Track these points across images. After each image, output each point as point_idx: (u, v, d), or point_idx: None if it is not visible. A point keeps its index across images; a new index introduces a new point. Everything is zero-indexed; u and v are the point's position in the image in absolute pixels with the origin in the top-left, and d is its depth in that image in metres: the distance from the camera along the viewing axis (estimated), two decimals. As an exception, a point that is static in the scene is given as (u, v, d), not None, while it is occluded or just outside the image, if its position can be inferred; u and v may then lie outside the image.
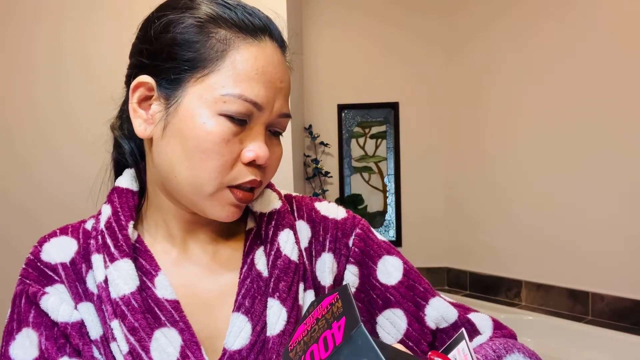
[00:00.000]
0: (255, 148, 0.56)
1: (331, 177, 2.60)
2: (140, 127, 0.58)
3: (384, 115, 2.61)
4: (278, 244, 0.62)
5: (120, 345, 0.55)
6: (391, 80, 2.61)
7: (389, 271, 0.66)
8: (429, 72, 2.60)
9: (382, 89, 2.60)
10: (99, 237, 0.59)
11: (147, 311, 0.56)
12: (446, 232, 2.61)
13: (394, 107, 2.60)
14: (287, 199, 0.70)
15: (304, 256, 0.65)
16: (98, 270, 0.57)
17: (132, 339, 0.55)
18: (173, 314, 0.57)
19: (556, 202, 2.17)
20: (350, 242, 0.66)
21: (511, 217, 2.34)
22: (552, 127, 2.17)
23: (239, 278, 0.61)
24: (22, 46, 1.82)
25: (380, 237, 0.70)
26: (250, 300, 0.60)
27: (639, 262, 1.93)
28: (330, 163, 2.61)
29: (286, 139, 2.06)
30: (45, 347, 0.56)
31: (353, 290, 0.65)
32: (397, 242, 2.61)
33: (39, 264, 0.59)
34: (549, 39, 2.17)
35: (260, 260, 0.62)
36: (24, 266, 0.60)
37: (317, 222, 0.67)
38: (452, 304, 0.67)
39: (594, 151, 2.04)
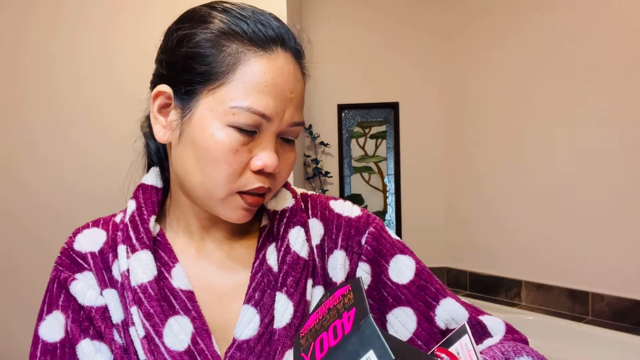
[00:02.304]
0: (264, 157, 0.58)
1: (331, 177, 2.60)
2: (160, 133, 0.62)
3: (384, 115, 2.61)
4: (288, 241, 0.65)
5: (138, 330, 0.59)
6: (391, 80, 2.61)
7: (401, 270, 0.67)
8: (430, 72, 2.60)
9: (382, 89, 2.61)
10: (124, 229, 0.64)
11: (162, 299, 0.61)
12: (446, 232, 2.61)
13: (394, 107, 2.60)
14: (303, 197, 0.72)
15: (315, 253, 0.67)
16: (122, 260, 0.62)
17: (147, 324, 0.59)
18: (187, 303, 0.61)
19: (556, 202, 2.17)
20: (363, 240, 0.68)
21: (511, 217, 2.34)
22: (554, 126, 2.17)
23: (251, 272, 0.64)
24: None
25: (394, 236, 0.71)
26: (260, 293, 0.63)
27: (639, 262, 1.93)
28: (330, 163, 2.61)
29: (286, 139, 2.06)
30: (70, 329, 0.62)
31: (365, 287, 0.66)
32: (397, 242, 2.61)
33: (71, 252, 0.65)
34: (549, 38, 2.17)
35: (272, 256, 0.65)
36: (59, 254, 0.65)
37: (330, 220, 0.69)
38: (464, 304, 0.68)
39: (594, 151, 2.04)
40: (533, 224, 2.25)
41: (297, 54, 0.63)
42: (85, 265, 0.64)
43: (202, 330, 0.60)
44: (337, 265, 0.67)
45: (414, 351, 0.41)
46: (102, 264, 0.64)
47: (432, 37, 2.59)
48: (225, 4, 0.61)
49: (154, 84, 0.63)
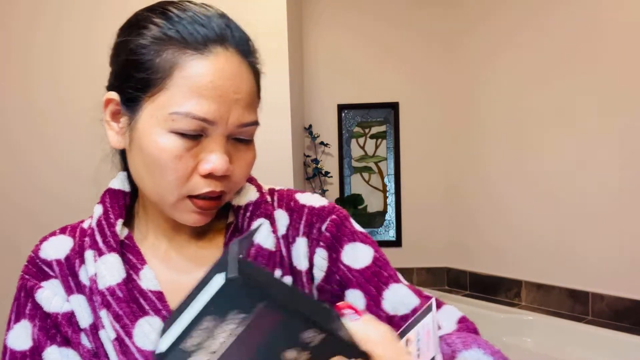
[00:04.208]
0: (212, 161, 0.57)
1: (331, 177, 2.60)
2: (113, 139, 0.62)
3: (384, 115, 2.61)
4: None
5: (108, 332, 0.60)
6: (391, 80, 2.61)
7: (357, 256, 0.66)
8: (429, 72, 2.60)
9: (382, 89, 2.61)
10: (91, 234, 0.64)
11: (132, 301, 0.61)
12: (446, 232, 2.61)
13: (394, 107, 2.60)
14: (270, 191, 0.72)
15: (282, 244, 0.66)
16: (90, 265, 0.62)
17: (117, 326, 0.59)
18: (156, 304, 0.61)
19: (557, 202, 2.17)
20: (324, 227, 0.67)
21: (511, 217, 2.34)
22: (554, 126, 2.17)
23: None
24: (22, 44, 1.82)
25: (359, 227, 0.70)
26: None
27: (638, 262, 1.93)
28: (330, 163, 2.61)
29: (286, 139, 2.06)
30: (37, 337, 0.62)
31: (322, 275, 0.66)
32: (397, 242, 2.61)
33: (37, 260, 0.65)
34: (548, 39, 2.17)
35: None
36: (25, 263, 0.66)
37: (295, 210, 0.69)
38: (417, 293, 0.66)
39: (594, 151, 2.04)
40: (533, 224, 2.25)
41: (244, 51, 0.60)
42: (51, 273, 0.64)
43: None
44: (300, 253, 0.66)
45: (280, 285, 0.41)
46: (68, 270, 0.64)
47: (432, 37, 2.59)
48: (166, 6, 0.59)
49: (107, 90, 0.63)
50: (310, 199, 0.70)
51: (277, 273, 0.64)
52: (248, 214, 0.66)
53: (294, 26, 2.31)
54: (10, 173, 1.82)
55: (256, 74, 0.62)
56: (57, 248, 0.66)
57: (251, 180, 0.70)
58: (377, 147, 2.63)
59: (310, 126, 2.56)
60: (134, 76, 0.57)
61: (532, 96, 2.24)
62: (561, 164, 2.14)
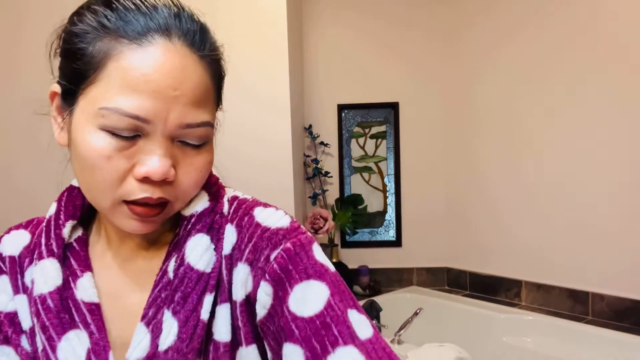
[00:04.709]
0: (147, 164, 0.51)
1: (331, 177, 2.60)
2: (56, 134, 0.57)
3: (384, 115, 2.61)
4: (184, 251, 0.57)
5: (38, 342, 0.57)
6: (391, 80, 2.61)
7: (307, 299, 0.53)
8: (429, 72, 2.60)
9: (382, 89, 2.61)
10: (39, 234, 0.61)
11: (64, 311, 0.57)
12: (446, 232, 2.61)
13: (394, 107, 2.60)
14: (231, 200, 0.63)
15: (224, 264, 0.58)
16: (32, 267, 0.61)
17: (42, 337, 0.56)
18: (86, 317, 0.57)
19: (557, 202, 2.17)
20: (273, 256, 0.55)
21: (511, 217, 2.34)
22: (554, 126, 2.17)
23: (153, 285, 0.58)
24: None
25: (319, 257, 0.56)
26: (155, 310, 0.56)
27: (639, 262, 1.93)
28: (330, 163, 2.61)
29: (286, 139, 2.06)
30: None
31: (264, 313, 0.55)
32: (397, 242, 2.61)
33: None
34: (548, 39, 2.17)
35: (172, 268, 0.57)
36: None
37: (245, 228, 0.58)
38: (369, 357, 0.50)
39: (594, 151, 2.04)
40: (533, 224, 2.25)
41: (193, 44, 0.53)
42: (4, 268, 0.63)
43: (97, 347, 0.56)
44: (238, 281, 0.57)
45: None
46: (18, 268, 0.62)
47: (432, 37, 2.59)
48: None
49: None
50: (268, 217, 0.58)
51: (208, 299, 0.55)
52: (189, 226, 0.58)
53: (294, 26, 2.31)
54: None
55: (213, 70, 0.56)
56: (13, 243, 0.64)
57: (211, 185, 0.62)
58: (377, 147, 2.63)
59: (310, 126, 2.56)
60: (68, 67, 0.53)
61: (533, 96, 2.24)
62: (561, 163, 2.14)
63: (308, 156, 2.55)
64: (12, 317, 0.60)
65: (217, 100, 0.59)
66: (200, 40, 0.54)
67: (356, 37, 2.61)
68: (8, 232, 0.66)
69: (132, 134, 0.50)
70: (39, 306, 0.57)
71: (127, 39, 0.50)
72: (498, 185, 2.39)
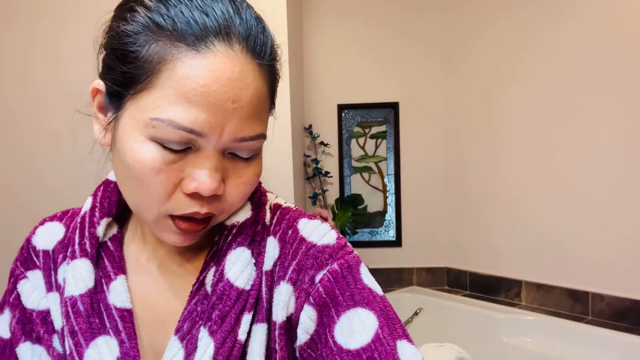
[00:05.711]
0: (198, 179, 0.48)
1: (331, 177, 2.60)
2: (97, 132, 0.53)
3: (384, 115, 2.61)
4: (224, 265, 0.54)
5: (66, 345, 0.54)
6: (391, 80, 2.61)
7: (354, 330, 0.50)
8: (429, 72, 2.60)
9: (382, 89, 2.61)
10: (73, 231, 0.58)
11: (95, 315, 0.54)
12: (446, 232, 2.61)
13: (394, 107, 2.60)
14: (274, 209, 0.60)
15: (264, 281, 0.55)
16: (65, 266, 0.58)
17: (70, 342, 0.53)
18: (118, 323, 0.54)
19: (556, 202, 2.17)
20: (318, 277, 0.52)
21: (511, 217, 2.34)
22: (554, 127, 2.17)
23: (188, 296, 0.55)
24: (24, 37, 1.82)
25: (368, 281, 0.53)
26: (190, 324, 0.53)
27: (639, 262, 1.93)
28: (330, 163, 2.61)
29: (286, 139, 2.06)
30: (14, 329, 0.58)
31: (306, 338, 0.52)
32: (397, 242, 2.61)
33: (29, 246, 0.61)
34: (548, 39, 2.17)
35: (210, 281, 0.54)
36: (21, 246, 0.62)
37: (289, 243, 0.55)
38: None
39: (594, 150, 2.04)
40: (533, 224, 2.25)
41: (255, 49, 0.49)
42: (38, 263, 0.60)
43: (127, 356, 0.53)
44: (280, 301, 0.53)
45: None
46: (52, 264, 0.59)
47: (432, 37, 2.59)
48: None
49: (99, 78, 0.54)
50: (313, 232, 0.55)
51: (246, 318, 0.52)
52: (230, 237, 0.55)
53: (294, 26, 2.31)
54: (13, 170, 1.82)
55: (270, 76, 0.52)
56: (48, 236, 0.61)
57: (254, 192, 0.59)
58: (377, 147, 2.63)
59: (310, 126, 2.56)
60: (117, 68, 0.48)
61: (533, 95, 2.24)
62: (561, 164, 2.14)
63: (308, 156, 2.55)
64: (45, 316, 0.57)
65: (271, 107, 0.55)
66: (261, 46, 0.50)
67: (356, 37, 2.61)
68: (42, 223, 0.62)
69: (183, 147, 0.47)
70: (69, 309, 0.54)
71: (184, 43, 0.45)
72: (498, 185, 2.39)
